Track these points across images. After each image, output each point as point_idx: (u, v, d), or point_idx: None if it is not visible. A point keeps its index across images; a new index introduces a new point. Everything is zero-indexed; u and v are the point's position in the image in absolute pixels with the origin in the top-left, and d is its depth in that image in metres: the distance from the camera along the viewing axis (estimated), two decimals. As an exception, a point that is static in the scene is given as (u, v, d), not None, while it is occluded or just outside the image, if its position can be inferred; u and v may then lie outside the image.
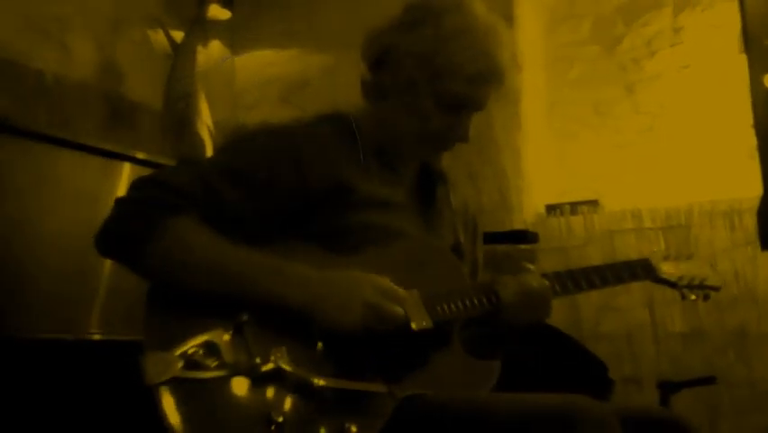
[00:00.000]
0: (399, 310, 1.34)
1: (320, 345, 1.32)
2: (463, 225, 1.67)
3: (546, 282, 1.53)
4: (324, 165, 1.43)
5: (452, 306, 1.42)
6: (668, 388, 2.39)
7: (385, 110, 1.52)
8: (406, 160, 1.58)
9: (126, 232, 1.32)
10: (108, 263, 2.04)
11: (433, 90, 1.47)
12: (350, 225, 1.42)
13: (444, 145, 1.55)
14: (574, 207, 3.44)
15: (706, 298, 1.73)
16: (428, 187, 1.63)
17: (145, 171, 1.94)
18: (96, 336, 2.12)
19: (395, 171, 1.54)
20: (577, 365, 2.51)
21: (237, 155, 1.43)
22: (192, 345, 1.24)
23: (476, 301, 1.46)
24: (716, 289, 1.75)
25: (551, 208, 3.51)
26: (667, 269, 1.75)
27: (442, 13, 1.47)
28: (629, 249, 3.22)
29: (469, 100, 1.49)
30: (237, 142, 1.47)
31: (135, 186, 1.38)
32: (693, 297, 1.73)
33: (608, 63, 3.71)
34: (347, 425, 1.25)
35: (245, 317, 1.28)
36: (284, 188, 1.40)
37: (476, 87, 1.48)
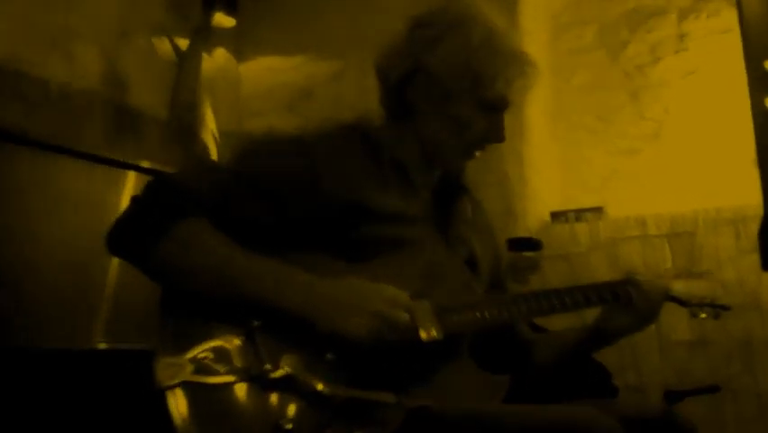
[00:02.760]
0: (406, 318, 1.33)
1: (330, 353, 1.32)
2: (480, 239, 1.66)
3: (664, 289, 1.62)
4: (341, 178, 1.43)
5: (464, 318, 1.42)
6: (672, 397, 2.38)
7: (417, 126, 1.53)
8: (435, 172, 1.59)
9: (138, 231, 1.32)
10: (114, 273, 2.05)
11: (474, 97, 1.50)
12: (363, 236, 1.42)
13: (482, 149, 1.58)
14: (579, 214, 3.44)
15: (716, 316, 1.76)
16: (446, 200, 1.63)
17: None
18: (102, 346, 2.13)
19: (412, 185, 1.55)
20: (581, 373, 2.50)
21: (254, 165, 1.43)
22: (203, 350, 1.24)
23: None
24: (726, 308, 1.77)
25: (555, 215, 3.51)
26: (678, 287, 1.77)
27: (463, 24, 1.50)
28: (634, 256, 3.22)
29: (507, 100, 1.54)
30: (255, 152, 1.47)
31: (152, 186, 1.38)
32: (704, 315, 1.75)
33: (612, 70, 3.71)
34: None
35: (257, 324, 1.28)
36: (300, 199, 1.40)
37: (513, 87, 1.53)
